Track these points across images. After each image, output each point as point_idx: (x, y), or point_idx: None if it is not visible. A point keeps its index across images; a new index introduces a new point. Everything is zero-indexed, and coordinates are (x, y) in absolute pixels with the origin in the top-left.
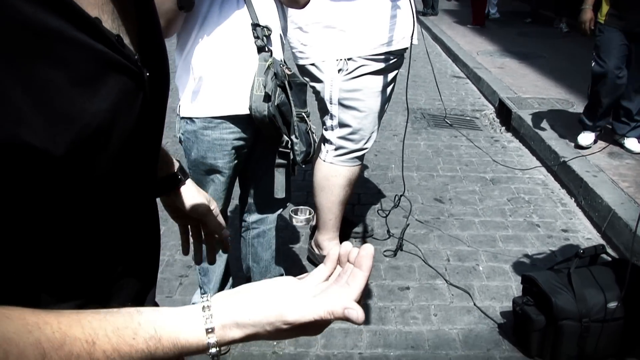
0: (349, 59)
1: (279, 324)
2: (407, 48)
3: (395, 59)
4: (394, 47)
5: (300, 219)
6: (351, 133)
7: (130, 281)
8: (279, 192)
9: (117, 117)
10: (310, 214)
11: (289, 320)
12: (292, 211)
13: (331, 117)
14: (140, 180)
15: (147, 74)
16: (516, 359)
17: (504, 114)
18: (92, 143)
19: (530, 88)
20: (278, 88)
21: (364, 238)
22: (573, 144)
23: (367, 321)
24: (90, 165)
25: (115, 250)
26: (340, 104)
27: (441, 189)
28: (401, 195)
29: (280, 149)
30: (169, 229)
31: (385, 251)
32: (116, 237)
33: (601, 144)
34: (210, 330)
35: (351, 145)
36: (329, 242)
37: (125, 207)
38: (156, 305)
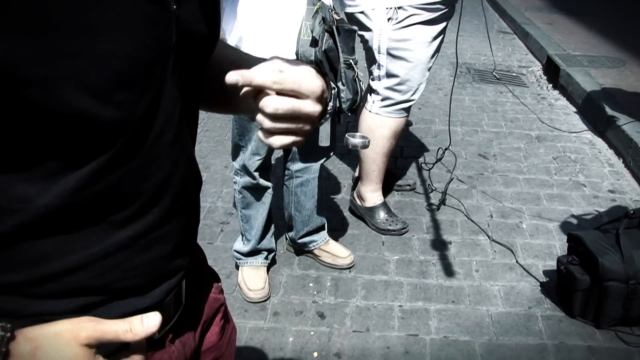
0: (399, 8)
1: None
2: None
3: (445, 9)
4: None
5: (355, 142)
6: (398, 84)
7: (171, 223)
8: (324, 140)
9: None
10: (364, 138)
11: None
12: (348, 134)
13: (379, 67)
14: (175, 122)
15: (176, 9)
16: (558, 318)
17: (552, 71)
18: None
19: (580, 45)
20: (326, 33)
21: (408, 191)
22: (623, 105)
23: (408, 274)
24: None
25: (150, 190)
26: (389, 54)
27: (485, 145)
28: (446, 149)
29: None
30: (210, 176)
31: (427, 205)
32: (150, 176)
33: None
34: None
35: (398, 96)
36: (372, 194)
37: (158, 149)
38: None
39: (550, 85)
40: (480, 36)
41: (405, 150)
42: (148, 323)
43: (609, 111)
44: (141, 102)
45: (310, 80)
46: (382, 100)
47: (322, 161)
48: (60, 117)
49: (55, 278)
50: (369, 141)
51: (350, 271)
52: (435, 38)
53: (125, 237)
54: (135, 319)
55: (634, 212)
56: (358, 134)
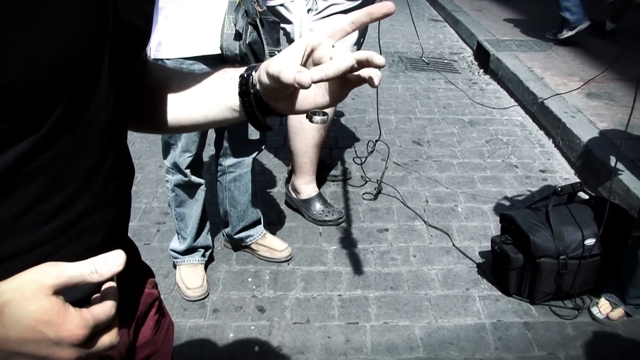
0: None
1: None
2: None
3: None
4: None
5: (317, 119)
6: None
7: (95, 224)
8: (254, 133)
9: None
10: (325, 114)
11: None
12: (310, 111)
13: None
14: (104, 114)
15: None
16: (494, 297)
17: (482, 56)
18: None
19: (509, 30)
20: (249, 26)
21: (342, 181)
22: (551, 86)
23: (346, 263)
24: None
25: (76, 187)
26: None
27: (419, 132)
28: (376, 141)
29: None
30: (145, 177)
31: (364, 194)
32: (79, 161)
33: (579, 84)
34: None
35: None
36: (306, 186)
37: (89, 135)
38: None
39: (481, 70)
40: (412, 25)
41: (340, 140)
42: (112, 262)
43: (538, 93)
44: (75, 83)
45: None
46: None
47: (254, 155)
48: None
49: None
50: (328, 117)
51: (288, 264)
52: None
53: (55, 227)
54: (99, 259)
55: (562, 189)
56: (318, 110)
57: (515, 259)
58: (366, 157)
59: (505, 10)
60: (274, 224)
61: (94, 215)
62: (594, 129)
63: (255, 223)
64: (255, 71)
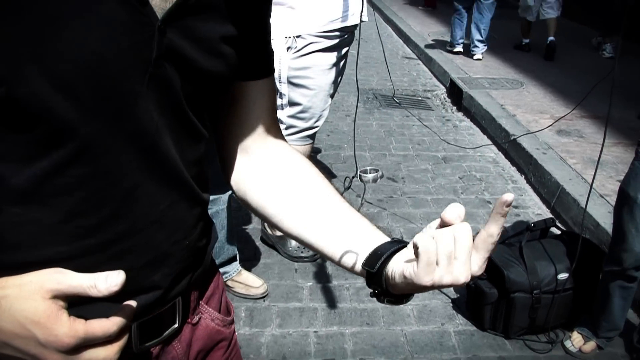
0: (297, 37)
1: None
2: (356, 25)
3: (345, 36)
4: (343, 24)
5: (369, 177)
6: (301, 112)
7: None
8: None
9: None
10: (377, 172)
11: None
12: (361, 171)
13: (280, 96)
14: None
15: (162, 25)
16: (470, 332)
17: (455, 93)
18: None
19: (481, 68)
20: None
21: None
22: (523, 123)
23: (321, 300)
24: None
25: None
26: (290, 82)
27: (394, 168)
28: (352, 178)
29: None
30: None
31: None
32: (116, 183)
33: (549, 121)
34: None
35: (301, 124)
36: None
37: (125, 157)
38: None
39: (455, 107)
40: (387, 63)
41: None
42: (111, 281)
43: (510, 130)
44: (107, 105)
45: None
46: (286, 128)
47: (230, 192)
48: (22, 107)
49: (24, 267)
50: (382, 174)
51: (264, 300)
52: (335, 64)
53: (94, 243)
54: (101, 275)
55: (535, 225)
56: (368, 168)
57: (490, 294)
58: (342, 194)
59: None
60: (250, 260)
61: (137, 237)
62: (565, 165)
63: (231, 260)
64: (384, 268)
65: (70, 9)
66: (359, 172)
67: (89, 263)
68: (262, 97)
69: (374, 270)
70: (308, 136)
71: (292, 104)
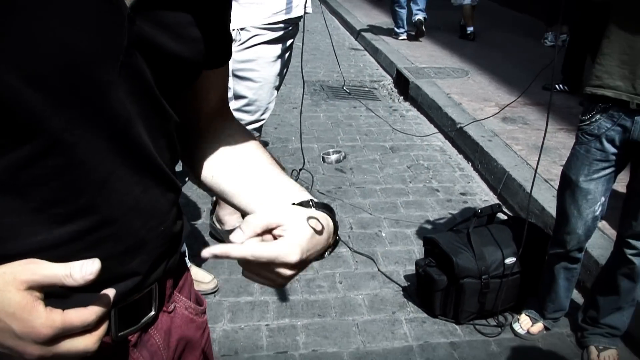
0: (241, 29)
1: None
2: (301, 17)
3: (289, 28)
4: (288, 15)
5: (332, 158)
6: (247, 105)
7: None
8: (178, 165)
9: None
10: (339, 153)
11: None
12: (324, 153)
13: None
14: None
15: (132, 14)
16: (421, 320)
17: (402, 84)
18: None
19: (427, 58)
20: None
21: None
22: (469, 111)
23: (272, 293)
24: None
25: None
26: (235, 75)
27: (342, 159)
28: (300, 170)
29: None
30: None
31: None
32: (92, 171)
33: (494, 109)
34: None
35: (248, 117)
36: (230, 217)
37: (98, 145)
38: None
39: (401, 97)
40: (333, 54)
41: None
42: (86, 269)
43: (456, 119)
44: (79, 95)
45: (287, 256)
46: None
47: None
48: None
49: (4, 259)
50: (344, 155)
51: (215, 295)
52: (280, 57)
53: (71, 231)
54: (76, 264)
55: (481, 211)
56: (331, 150)
57: (440, 280)
58: None
59: (423, 38)
60: (199, 256)
61: (114, 224)
62: (510, 151)
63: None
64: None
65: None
66: (322, 154)
67: (68, 252)
68: (220, 82)
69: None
70: (254, 129)
71: (237, 97)
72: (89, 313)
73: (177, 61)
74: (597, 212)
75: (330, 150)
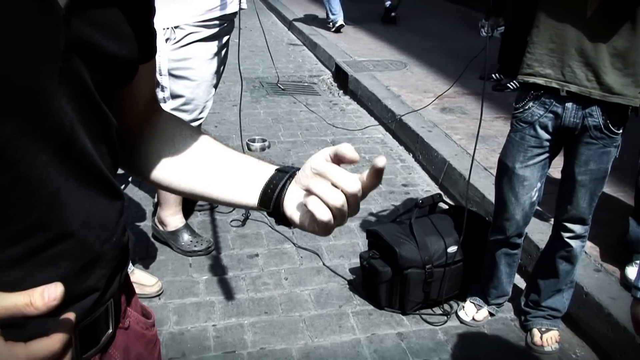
0: (176, 27)
1: None
2: (236, 13)
3: (224, 25)
4: (222, 12)
5: (256, 146)
6: (184, 104)
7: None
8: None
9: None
10: (264, 141)
11: None
12: (248, 140)
13: (162, 89)
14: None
15: (66, 14)
16: (367, 312)
17: (341, 77)
18: None
19: (365, 51)
20: None
21: (209, 210)
22: (408, 103)
23: (218, 292)
24: None
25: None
26: (171, 75)
27: (283, 155)
28: None
29: None
30: None
31: (231, 221)
32: (40, 187)
33: (433, 100)
34: None
35: (185, 116)
36: (172, 217)
37: (44, 158)
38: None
39: (341, 91)
40: (272, 50)
41: None
42: (49, 295)
43: (396, 111)
44: (18, 105)
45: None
46: None
47: (121, 187)
48: None
49: None
50: (268, 144)
51: (159, 298)
52: (216, 54)
53: (25, 249)
54: (36, 291)
55: (422, 201)
56: (256, 137)
57: (384, 272)
58: None
59: (361, 32)
60: (143, 258)
61: (69, 240)
62: (450, 141)
63: None
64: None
65: None
66: (246, 141)
67: (25, 272)
68: (146, 79)
69: (270, 209)
70: None
71: (174, 96)
72: (53, 342)
73: (115, 62)
74: (534, 198)
75: (256, 137)
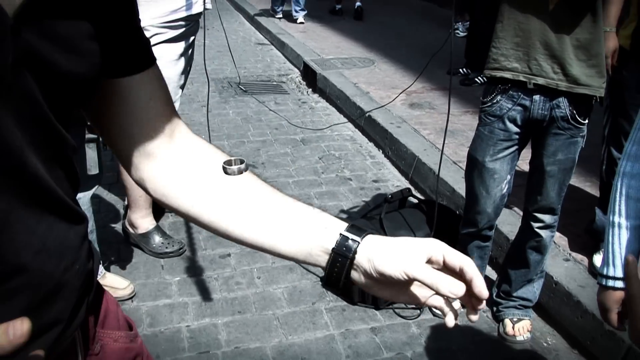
0: None
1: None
2: (201, 13)
3: (190, 25)
4: (188, 12)
5: (234, 169)
6: None
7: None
8: (92, 168)
9: None
10: (242, 162)
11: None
12: (224, 162)
13: None
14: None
15: (15, 24)
16: (341, 308)
17: (310, 76)
18: None
19: (333, 49)
20: None
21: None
22: (376, 100)
23: (191, 293)
24: None
25: None
26: None
27: (253, 155)
28: None
29: (89, 123)
30: None
31: None
32: None
33: (401, 97)
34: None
35: None
36: (143, 220)
37: None
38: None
39: (310, 89)
40: (240, 50)
41: None
42: (14, 332)
43: (365, 107)
44: None
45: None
46: None
47: (92, 191)
48: None
49: None
50: (246, 165)
51: (132, 301)
52: (182, 54)
53: None
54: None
55: (392, 196)
56: (233, 158)
57: None
58: None
59: (329, 30)
60: (114, 262)
61: (26, 271)
62: (419, 136)
63: None
64: (357, 246)
65: None
66: (222, 165)
67: None
68: (153, 91)
69: (359, 239)
70: None
71: None
72: None
73: (71, 79)
74: (505, 190)
75: (232, 159)
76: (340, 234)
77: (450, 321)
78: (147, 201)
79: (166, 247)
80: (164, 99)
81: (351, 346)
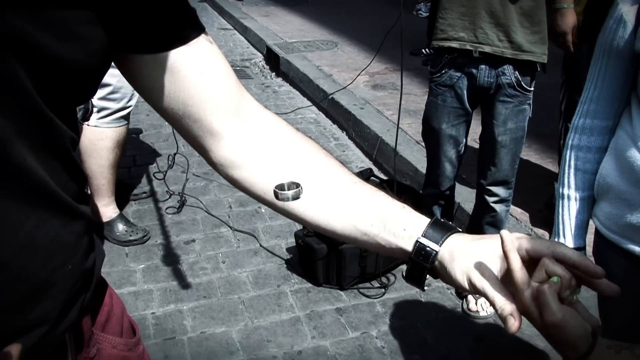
0: None
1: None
2: None
3: None
4: None
5: (287, 194)
6: (112, 92)
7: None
8: None
9: None
10: (297, 187)
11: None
12: (276, 187)
13: None
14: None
15: None
16: (306, 290)
17: (273, 60)
18: None
19: (296, 33)
20: None
21: (145, 199)
22: (339, 82)
23: (156, 280)
24: None
25: None
26: None
27: None
28: (175, 154)
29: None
30: None
31: (167, 208)
32: None
33: (365, 78)
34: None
35: (113, 105)
36: (106, 208)
37: None
38: None
39: (273, 73)
40: None
41: (138, 158)
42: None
43: (328, 90)
44: None
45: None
46: (99, 111)
47: None
48: None
49: None
50: (301, 189)
51: None
52: None
53: None
54: None
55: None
56: (286, 183)
57: (319, 249)
58: (166, 171)
59: (292, 14)
60: None
61: (6, 268)
62: (382, 117)
63: None
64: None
65: None
66: (274, 189)
67: None
68: (204, 64)
69: (437, 248)
70: (122, 117)
71: (101, 85)
72: None
73: (64, 65)
74: (462, 151)
75: (285, 183)
76: (417, 241)
77: (512, 326)
78: (110, 189)
79: (130, 235)
80: (220, 71)
81: (317, 327)
